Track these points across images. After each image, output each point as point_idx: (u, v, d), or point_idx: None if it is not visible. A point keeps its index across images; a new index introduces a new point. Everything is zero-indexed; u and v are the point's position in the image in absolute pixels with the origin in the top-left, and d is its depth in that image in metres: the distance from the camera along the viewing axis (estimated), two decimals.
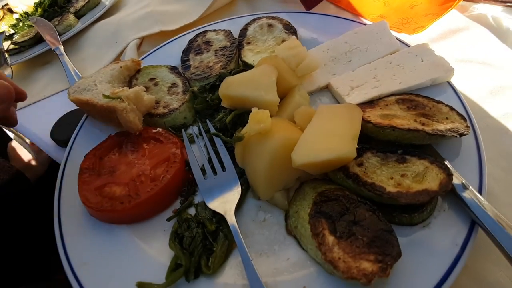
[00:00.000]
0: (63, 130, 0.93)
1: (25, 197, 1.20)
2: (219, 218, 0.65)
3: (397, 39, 0.81)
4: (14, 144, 1.31)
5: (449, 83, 0.72)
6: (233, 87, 0.71)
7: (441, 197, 0.59)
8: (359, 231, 0.53)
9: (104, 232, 0.68)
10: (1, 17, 1.43)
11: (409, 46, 0.80)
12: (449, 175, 0.54)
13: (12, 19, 1.46)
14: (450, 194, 0.57)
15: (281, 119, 0.69)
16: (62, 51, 1.12)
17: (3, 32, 1.34)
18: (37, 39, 1.23)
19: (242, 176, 0.70)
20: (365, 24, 0.88)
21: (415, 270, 0.52)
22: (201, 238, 0.63)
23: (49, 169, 1.27)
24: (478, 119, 0.68)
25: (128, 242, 0.66)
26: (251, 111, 0.64)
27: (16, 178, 1.23)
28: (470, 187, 0.56)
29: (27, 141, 1.23)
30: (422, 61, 0.74)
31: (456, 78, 0.74)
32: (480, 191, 0.57)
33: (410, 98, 0.69)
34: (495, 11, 0.89)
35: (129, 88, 0.79)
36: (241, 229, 0.63)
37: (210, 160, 0.73)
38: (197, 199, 0.71)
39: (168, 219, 0.68)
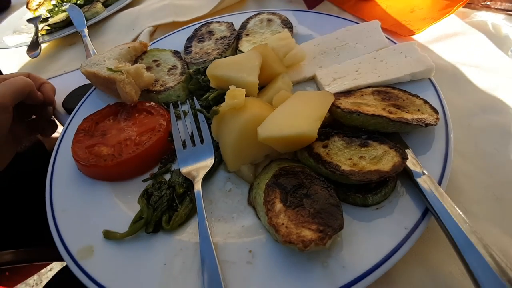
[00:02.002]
0: (73, 101, 1.04)
1: (41, 164, 1.32)
2: (189, 184, 0.69)
3: (387, 37, 0.83)
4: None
5: (430, 79, 0.72)
6: (219, 68, 0.76)
7: (400, 183, 0.59)
8: (307, 203, 0.55)
9: (87, 186, 0.75)
10: (42, 2, 1.62)
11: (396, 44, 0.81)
12: (404, 158, 0.55)
13: (50, 4, 1.64)
14: (409, 182, 0.58)
15: (256, 99, 0.73)
16: (86, 33, 1.25)
17: (40, 16, 1.52)
18: (67, 23, 1.38)
19: (217, 150, 0.74)
20: (356, 22, 0.91)
21: (360, 248, 0.53)
22: (167, 198, 0.67)
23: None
24: (461, 118, 0.67)
25: (106, 196, 0.72)
26: None
27: (36, 147, 1.37)
28: (429, 175, 0.56)
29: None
30: (406, 57, 0.75)
31: (445, 79, 0.74)
32: (440, 182, 0.57)
33: (386, 90, 0.70)
34: (496, 19, 0.88)
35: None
36: (206, 196, 0.68)
37: (192, 135, 0.79)
38: (174, 168, 0.76)
39: (144, 180, 0.74)
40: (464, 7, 0.90)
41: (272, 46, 0.83)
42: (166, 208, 0.66)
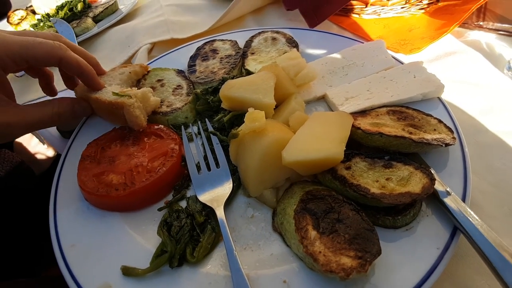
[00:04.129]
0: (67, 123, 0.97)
1: (27, 188, 1.22)
2: (208, 212, 0.67)
3: (393, 57, 0.86)
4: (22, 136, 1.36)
5: (439, 98, 0.75)
6: (234, 89, 0.75)
7: (425, 203, 0.60)
8: (341, 228, 0.55)
9: (96, 217, 0.70)
10: (24, 17, 1.54)
11: (403, 64, 0.84)
12: (432, 179, 0.56)
13: (34, 19, 1.56)
14: (434, 201, 0.59)
15: (275, 121, 0.72)
16: None
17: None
18: None
19: (234, 173, 0.73)
20: (361, 42, 0.93)
21: (396, 271, 0.53)
22: (189, 228, 0.64)
23: (54, 163, 1.31)
24: (467, 135, 0.70)
25: (118, 228, 0.67)
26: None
27: (19, 169, 1.27)
28: (454, 194, 0.57)
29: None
30: (415, 77, 0.78)
31: (448, 97, 0.77)
32: (463, 200, 0.58)
33: (401, 110, 0.72)
34: (488, 38, 0.94)
35: (138, 89, 0.84)
36: (229, 224, 0.65)
37: (206, 158, 0.76)
38: (189, 194, 0.73)
39: (159, 209, 0.70)
40: (459, 26, 0.95)
41: (282, 65, 0.83)
42: (189, 239, 0.63)
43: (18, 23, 1.54)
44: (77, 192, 0.74)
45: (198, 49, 1.03)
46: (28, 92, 1.18)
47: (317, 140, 0.63)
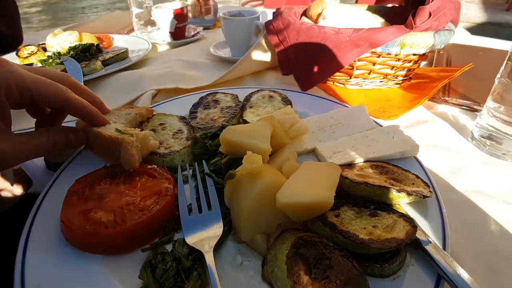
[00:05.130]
0: (57, 154, 0.94)
1: None
2: (195, 256, 0.65)
3: (374, 120, 0.97)
4: None
5: (415, 158, 0.83)
6: (233, 134, 0.82)
7: (409, 253, 0.63)
8: (333, 274, 0.56)
9: (71, 256, 0.65)
10: (34, 52, 1.62)
11: (382, 126, 0.95)
12: (414, 226, 0.60)
13: (44, 55, 1.65)
14: (418, 250, 0.62)
15: (270, 166, 0.77)
16: None
17: (31, 64, 1.51)
18: None
19: (226, 217, 0.73)
20: (346, 106, 1.06)
21: None
22: (174, 272, 0.62)
23: (21, 202, 1.14)
24: (441, 193, 0.77)
25: (95, 270, 0.63)
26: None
27: None
28: (435, 242, 0.61)
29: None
30: (393, 138, 0.88)
31: (422, 159, 0.86)
32: (444, 249, 0.62)
33: (382, 165, 0.80)
34: (453, 111, 1.10)
35: (140, 130, 0.88)
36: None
37: (198, 199, 0.77)
38: (177, 236, 0.72)
39: (143, 250, 0.67)
40: (429, 100, 1.11)
41: (277, 118, 0.92)
42: (173, 285, 0.60)
43: (27, 57, 1.61)
44: (54, 229, 0.69)
45: (201, 98, 1.13)
46: (19, 121, 1.17)
47: (309, 185, 0.67)
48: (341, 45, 1.05)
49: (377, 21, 1.20)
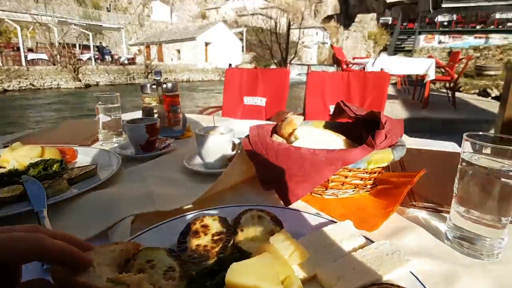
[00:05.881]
0: None
1: None
2: None
3: (364, 236, 1.03)
4: None
5: (412, 273, 0.88)
6: (239, 275, 0.77)
7: None
8: None
9: None
10: None
11: (372, 241, 1.01)
12: None
13: None
14: None
15: None
16: (45, 214, 1.10)
17: None
18: (21, 197, 1.22)
19: None
20: (333, 221, 1.12)
21: None
22: None
23: None
24: None
25: None
26: None
27: None
28: None
29: None
30: (387, 255, 0.93)
31: (414, 270, 0.91)
32: None
33: (386, 286, 0.82)
34: (422, 214, 1.23)
35: (128, 270, 0.79)
36: None
37: None
38: None
39: None
40: (400, 205, 1.24)
41: (276, 246, 0.92)
42: None
43: None
44: None
45: (188, 225, 1.08)
46: None
47: None
48: (318, 164, 1.18)
49: (340, 139, 1.41)
